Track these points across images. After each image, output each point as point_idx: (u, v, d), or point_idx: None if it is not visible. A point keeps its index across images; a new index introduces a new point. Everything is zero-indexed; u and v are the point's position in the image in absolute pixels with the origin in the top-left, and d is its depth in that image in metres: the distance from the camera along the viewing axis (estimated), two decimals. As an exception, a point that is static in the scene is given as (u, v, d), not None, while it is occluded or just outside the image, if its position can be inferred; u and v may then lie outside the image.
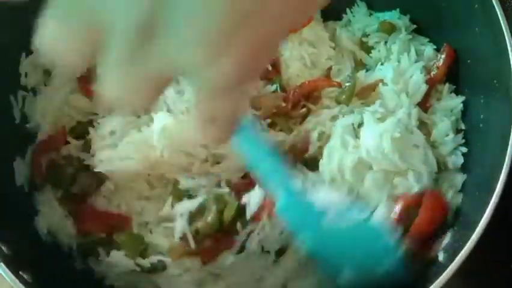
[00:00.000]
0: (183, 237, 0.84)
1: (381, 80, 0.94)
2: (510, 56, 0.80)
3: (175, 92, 0.89)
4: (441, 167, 0.91)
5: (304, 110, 0.93)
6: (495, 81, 0.85)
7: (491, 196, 0.74)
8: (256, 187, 0.85)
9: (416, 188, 0.85)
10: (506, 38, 0.80)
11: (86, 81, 0.95)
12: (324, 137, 0.91)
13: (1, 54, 0.90)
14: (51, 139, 0.92)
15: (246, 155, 0.68)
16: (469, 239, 0.73)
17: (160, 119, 0.86)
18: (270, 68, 0.93)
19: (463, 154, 0.92)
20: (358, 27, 1.04)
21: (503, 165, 0.76)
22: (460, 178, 0.90)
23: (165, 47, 0.40)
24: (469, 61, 0.94)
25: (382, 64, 0.99)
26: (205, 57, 0.40)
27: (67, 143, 0.92)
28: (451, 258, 0.74)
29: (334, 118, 0.92)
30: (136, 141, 0.87)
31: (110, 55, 0.41)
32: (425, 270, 0.80)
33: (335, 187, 0.85)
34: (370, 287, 0.78)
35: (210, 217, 0.83)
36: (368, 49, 1.02)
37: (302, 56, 0.98)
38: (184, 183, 0.86)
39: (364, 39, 1.02)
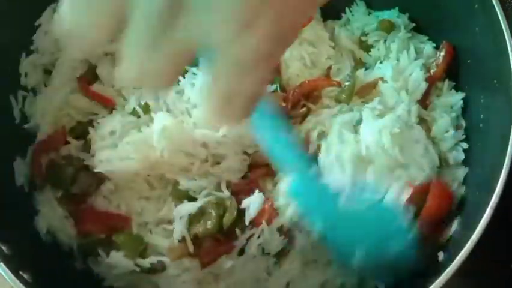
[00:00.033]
0: (182, 239, 0.84)
1: (381, 78, 0.94)
2: (510, 56, 0.80)
3: (175, 92, 0.90)
4: (443, 163, 0.91)
5: (304, 109, 0.93)
6: (495, 81, 0.85)
7: (491, 196, 0.74)
8: (256, 192, 0.85)
9: (420, 179, 0.85)
10: (506, 38, 0.80)
11: (86, 81, 0.95)
12: (324, 137, 0.91)
13: (1, 54, 0.90)
14: (51, 139, 0.92)
15: (261, 136, 0.67)
16: (469, 239, 0.73)
17: (160, 119, 0.86)
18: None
19: (464, 151, 0.92)
20: (357, 26, 1.04)
21: (503, 165, 0.76)
22: (461, 172, 0.90)
23: (191, 25, 0.40)
24: (469, 61, 0.94)
25: (381, 62, 0.99)
26: (233, 32, 0.40)
27: (67, 143, 0.92)
28: (451, 258, 0.74)
29: (334, 117, 0.92)
30: (136, 141, 0.87)
31: (132, 34, 0.41)
32: (435, 257, 0.80)
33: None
34: (382, 270, 0.78)
35: (210, 222, 0.83)
36: (367, 48, 1.02)
37: (302, 55, 0.98)
38: (184, 183, 0.86)
39: (363, 38, 1.02)
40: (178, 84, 0.90)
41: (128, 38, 0.41)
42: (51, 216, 0.88)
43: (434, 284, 0.72)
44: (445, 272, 0.72)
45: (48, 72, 0.97)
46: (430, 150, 0.88)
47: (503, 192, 0.74)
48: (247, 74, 0.44)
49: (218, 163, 0.88)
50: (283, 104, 0.91)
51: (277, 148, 0.69)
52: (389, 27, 1.01)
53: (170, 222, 0.86)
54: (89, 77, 0.96)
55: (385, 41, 1.01)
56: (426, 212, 0.83)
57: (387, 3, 1.05)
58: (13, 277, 0.71)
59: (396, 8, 1.04)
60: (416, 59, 0.97)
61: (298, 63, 0.98)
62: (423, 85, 0.94)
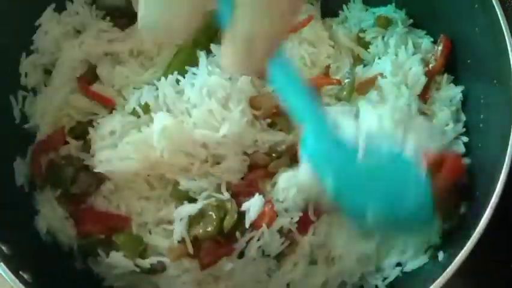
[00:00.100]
0: (182, 240, 0.84)
1: (381, 74, 0.95)
2: (510, 56, 0.80)
3: (175, 92, 0.90)
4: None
5: (304, 109, 0.93)
6: (495, 81, 0.85)
7: (491, 196, 0.75)
8: (256, 195, 0.85)
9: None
10: (506, 38, 0.80)
11: (86, 81, 0.95)
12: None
13: (1, 54, 0.90)
14: (51, 139, 0.92)
15: (279, 88, 0.67)
16: (469, 239, 0.73)
17: (160, 119, 0.86)
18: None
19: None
20: (354, 23, 1.04)
21: (503, 165, 0.76)
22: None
23: None
24: (469, 61, 0.94)
25: (380, 58, 0.99)
26: None
27: (66, 143, 0.92)
28: (451, 258, 0.74)
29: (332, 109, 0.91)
30: (136, 141, 0.86)
31: None
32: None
33: None
34: (397, 226, 0.76)
35: (211, 225, 0.83)
36: (365, 44, 1.02)
37: (302, 55, 0.98)
38: (184, 184, 0.86)
39: (361, 35, 1.03)
40: (178, 84, 0.90)
41: None
42: (51, 216, 0.88)
43: (434, 284, 0.72)
44: (445, 272, 0.72)
45: (48, 72, 0.97)
46: (435, 132, 0.88)
47: (503, 192, 0.75)
48: (270, 15, 0.45)
49: (218, 163, 0.88)
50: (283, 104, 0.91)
51: (294, 98, 0.68)
52: (386, 23, 1.01)
53: (170, 222, 0.86)
54: (89, 77, 0.96)
55: (383, 37, 1.01)
56: (443, 176, 0.81)
57: (383, -1, 1.06)
58: (13, 277, 0.71)
59: (393, 3, 1.05)
60: (414, 53, 0.98)
61: (299, 63, 0.98)
62: (423, 79, 0.94)
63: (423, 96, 0.95)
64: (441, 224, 0.85)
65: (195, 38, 0.95)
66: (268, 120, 0.91)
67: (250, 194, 0.86)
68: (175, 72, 0.91)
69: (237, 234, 0.84)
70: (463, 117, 0.95)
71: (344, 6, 1.07)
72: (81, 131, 0.92)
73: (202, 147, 0.87)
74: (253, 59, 0.48)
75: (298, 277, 0.87)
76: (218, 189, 0.87)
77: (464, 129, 0.94)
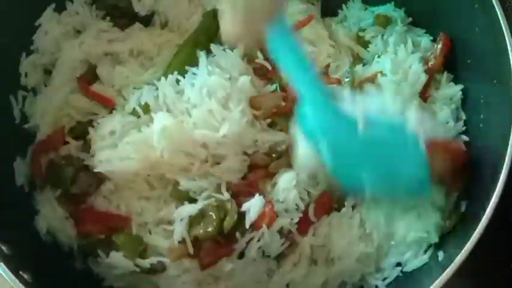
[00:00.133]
0: (182, 240, 0.84)
1: (380, 72, 0.95)
2: (510, 56, 0.80)
3: (175, 92, 0.89)
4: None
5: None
6: (495, 81, 0.85)
7: (491, 196, 0.75)
8: (256, 195, 0.85)
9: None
10: (506, 38, 0.81)
11: (86, 81, 0.95)
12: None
13: (1, 54, 0.90)
14: (50, 139, 0.92)
15: (279, 57, 0.66)
16: (469, 239, 0.73)
17: (160, 119, 0.86)
18: (270, 68, 0.93)
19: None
20: (353, 22, 1.04)
21: (503, 165, 0.76)
22: None
23: None
24: (468, 61, 0.94)
25: (379, 57, 0.99)
26: None
27: (66, 143, 0.92)
28: (451, 258, 0.74)
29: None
30: (136, 141, 0.86)
31: None
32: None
33: None
34: (394, 195, 0.77)
35: (211, 225, 0.83)
36: (364, 43, 1.02)
37: (302, 55, 0.98)
38: (184, 184, 0.86)
39: (360, 34, 1.03)
40: (178, 84, 0.90)
41: None
42: (51, 216, 0.88)
43: (434, 284, 0.72)
44: (445, 272, 0.72)
45: (48, 72, 0.97)
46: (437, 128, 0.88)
47: (503, 192, 0.75)
48: None
49: (218, 163, 0.88)
50: (283, 104, 0.91)
51: (293, 67, 0.68)
52: (385, 22, 1.01)
53: (170, 222, 0.86)
54: (89, 77, 0.96)
55: (382, 36, 1.01)
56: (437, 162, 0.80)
57: (383, -2, 1.06)
58: (13, 277, 0.71)
59: (392, 2, 1.05)
60: (413, 52, 0.98)
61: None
62: (423, 77, 0.95)
63: (423, 95, 0.96)
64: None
65: (195, 38, 0.95)
66: (268, 120, 0.91)
67: (251, 195, 0.86)
68: (175, 72, 0.91)
69: (237, 234, 0.84)
70: (463, 116, 0.95)
71: (344, 6, 1.07)
72: (81, 131, 0.92)
73: (202, 147, 0.87)
74: (253, 25, 0.49)
75: (298, 277, 0.87)
76: (218, 190, 0.87)
77: (464, 128, 0.94)
